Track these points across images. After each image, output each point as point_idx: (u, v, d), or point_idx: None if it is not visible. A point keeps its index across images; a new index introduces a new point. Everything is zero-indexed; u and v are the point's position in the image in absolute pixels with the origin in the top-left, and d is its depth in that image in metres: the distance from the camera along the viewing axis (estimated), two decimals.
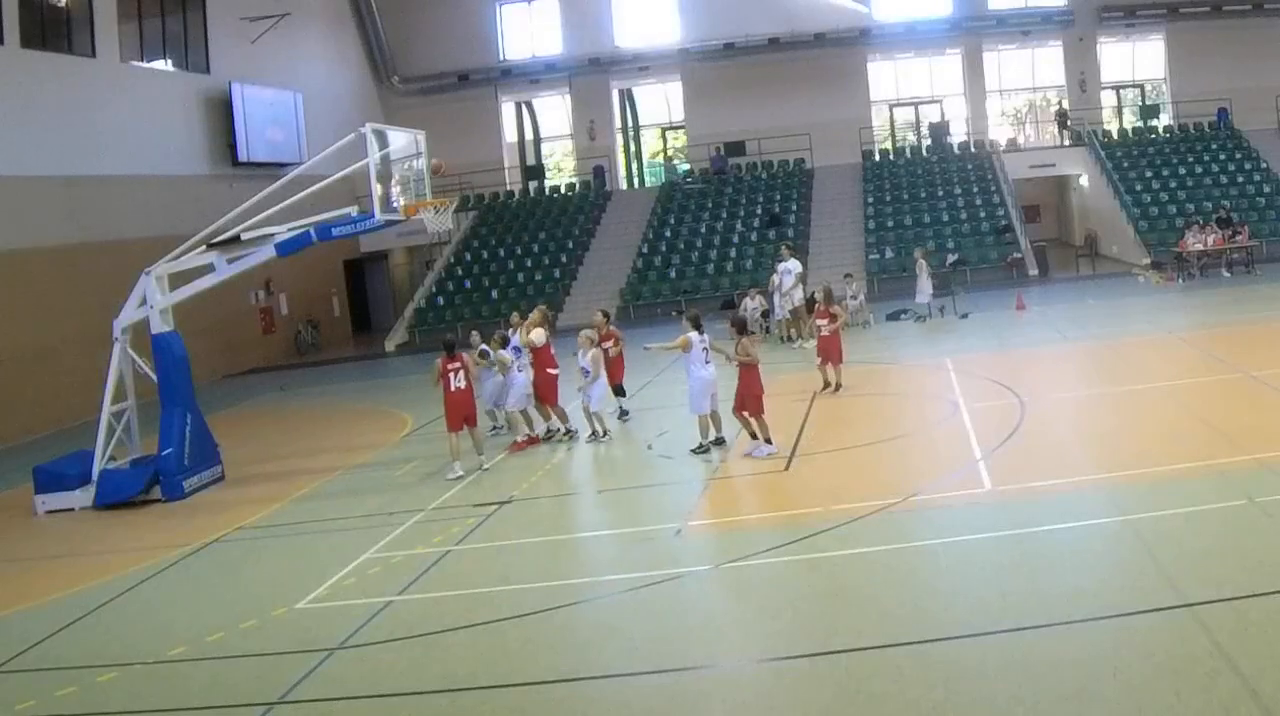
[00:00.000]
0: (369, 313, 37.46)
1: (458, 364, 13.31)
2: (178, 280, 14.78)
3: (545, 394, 14.74)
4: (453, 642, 8.08)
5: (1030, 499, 9.90)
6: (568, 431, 14.79)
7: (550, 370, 14.78)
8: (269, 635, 8.59)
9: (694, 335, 13.02)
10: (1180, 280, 26.12)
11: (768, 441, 12.49)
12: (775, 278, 23.38)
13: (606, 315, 16.07)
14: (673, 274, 31.85)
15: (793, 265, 22.49)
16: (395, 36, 38.48)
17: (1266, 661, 6.11)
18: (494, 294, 32.27)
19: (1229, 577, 7.40)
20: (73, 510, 14.14)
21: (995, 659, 6.72)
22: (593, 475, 13.50)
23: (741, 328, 12.99)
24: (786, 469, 12.07)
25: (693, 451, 13.02)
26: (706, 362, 13.02)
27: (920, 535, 9.37)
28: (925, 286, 23.86)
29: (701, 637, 7.79)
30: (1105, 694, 6.06)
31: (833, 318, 16.11)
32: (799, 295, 22.25)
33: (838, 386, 15.97)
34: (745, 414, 12.56)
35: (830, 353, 16.10)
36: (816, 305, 16.67)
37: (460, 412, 13.35)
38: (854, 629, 7.44)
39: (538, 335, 14.82)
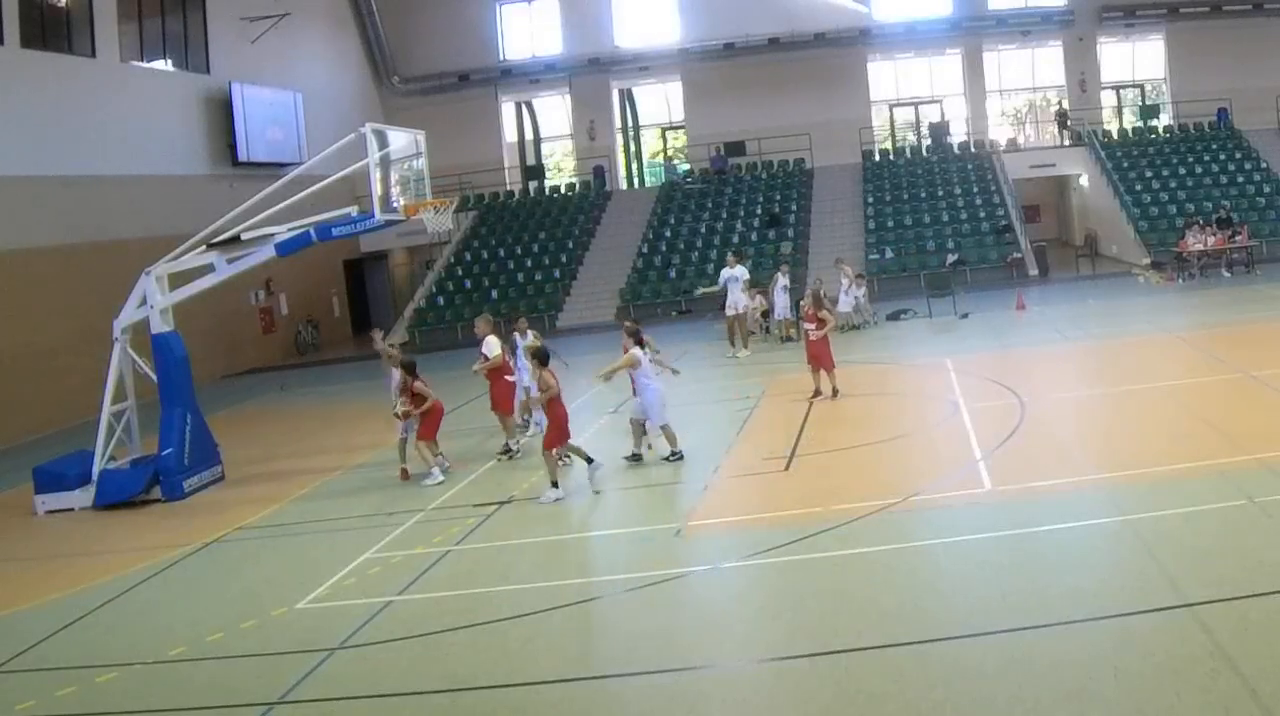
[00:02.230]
0: (369, 313, 37.43)
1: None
2: (178, 280, 14.78)
3: (502, 401, 14.25)
4: (453, 642, 8.08)
5: (1030, 499, 9.91)
6: (506, 449, 14.22)
7: (508, 377, 14.33)
8: (269, 635, 8.59)
9: (638, 350, 12.70)
10: (1180, 280, 26.12)
11: (554, 484, 11.76)
12: (776, 277, 23.36)
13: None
14: (673, 274, 31.85)
15: (739, 272, 22.12)
16: (395, 36, 38.49)
17: (1266, 661, 6.11)
18: (494, 294, 32.26)
19: (1229, 577, 7.40)
20: (73, 510, 14.14)
21: (995, 659, 6.72)
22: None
23: (543, 359, 12.06)
24: (786, 469, 12.07)
25: (665, 459, 12.86)
26: (658, 373, 13.00)
27: (920, 535, 9.37)
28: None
29: (701, 637, 7.79)
30: (1105, 694, 6.06)
31: (820, 322, 15.47)
32: (744, 302, 21.90)
33: (834, 392, 15.45)
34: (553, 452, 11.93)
35: (821, 359, 15.48)
36: (804, 308, 16.10)
37: (437, 424, 13.48)
38: (854, 629, 7.44)
39: (494, 346, 14.27)
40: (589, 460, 12.12)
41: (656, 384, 12.88)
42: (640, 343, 12.94)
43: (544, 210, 36.99)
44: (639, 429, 12.97)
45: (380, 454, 15.55)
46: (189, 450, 14.38)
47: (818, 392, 15.55)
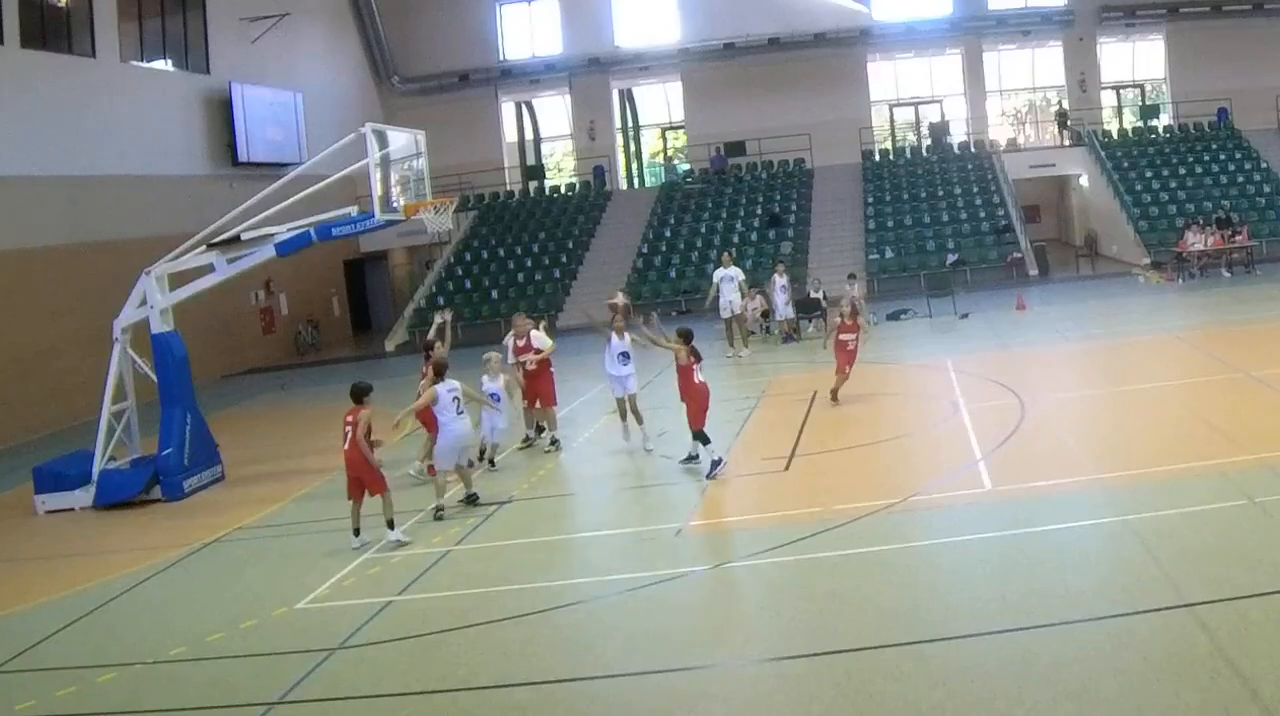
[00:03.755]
0: (369, 313, 37.45)
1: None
2: (178, 280, 14.79)
3: (546, 396, 14.46)
4: (453, 642, 8.08)
5: (1030, 499, 9.91)
6: (554, 441, 14.37)
7: (551, 369, 14.68)
8: (269, 635, 8.60)
9: (441, 387, 11.51)
10: (1180, 280, 26.13)
11: (390, 524, 10.68)
12: (774, 277, 23.36)
13: (687, 337, 12.43)
14: (673, 274, 31.84)
15: (734, 273, 22.08)
16: (395, 36, 38.47)
17: (1266, 661, 6.11)
18: (494, 294, 32.27)
19: (1229, 577, 7.41)
20: (73, 510, 14.14)
21: (995, 659, 6.73)
22: (593, 475, 13.48)
23: (359, 396, 10.81)
24: (786, 469, 12.07)
25: (436, 517, 11.50)
26: (459, 413, 11.53)
27: (920, 535, 9.38)
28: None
29: (701, 637, 7.80)
30: (1105, 694, 6.06)
31: (859, 330, 15.27)
32: (738, 302, 21.87)
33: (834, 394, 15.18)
34: (361, 497, 10.78)
35: (847, 364, 15.24)
36: (841, 319, 15.54)
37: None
38: (854, 629, 7.44)
39: (544, 339, 14.66)
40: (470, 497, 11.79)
41: (456, 426, 11.53)
42: (440, 375, 11.66)
43: (544, 210, 36.98)
44: (441, 483, 11.76)
45: (380, 454, 15.48)
46: (189, 450, 14.38)
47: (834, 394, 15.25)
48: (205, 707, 7.44)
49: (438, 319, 14.51)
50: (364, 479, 10.71)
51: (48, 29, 23.79)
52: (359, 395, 10.80)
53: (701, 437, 12.10)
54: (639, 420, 13.75)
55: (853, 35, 37.42)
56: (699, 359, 12.29)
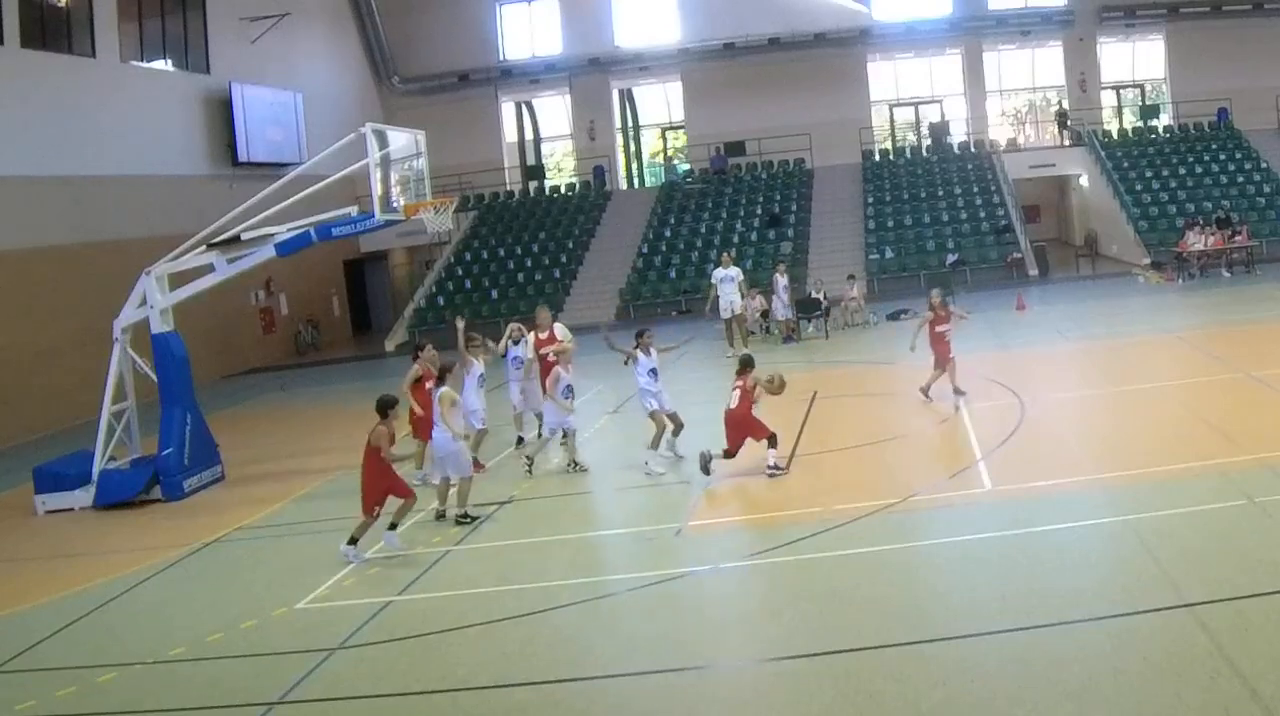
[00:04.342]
0: (369, 313, 37.46)
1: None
2: (178, 280, 14.78)
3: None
4: (453, 642, 8.08)
5: (1030, 499, 9.91)
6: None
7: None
8: (269, 635, 8.60)
9: (435, 394, 11.35)
10: (1180, 280, 26.12)
11: (352, 542, 10.31)
12: (775, 277, 23.36)
13: (748, 365, 12.27)
14: (673, 274, 31.85)
15: (734, 272, 22.08)
16: (395, 36, 38.49)
17: (1266, 661, 6.11)
18: (494, 294, 32.27)
19: (1229, 577, 7.41)
20: (73, 510, 14.13)
21: (995, 659, 6.73)
22: (592, 475, 13.47)
23: (382, 410, 10.44)
24: (786, 469, 12.06)
25: (459, 520, 11.31)
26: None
27: (920, 535, 9.38)
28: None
29: (701, 637, 7.80)
30: (1105, 694, 6.06)
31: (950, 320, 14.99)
32: (739, 302, 21.86)
33: (955, 390, 14.73)
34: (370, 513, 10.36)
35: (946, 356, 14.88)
36: (934, 311, 15.06)
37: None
38: (854, 629, 7.44)
39: (565, 332, 14.59)
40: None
41: (437, 434, 11.33)
42: (440, 381, 11.48)
43: (544, 210, 36.99)
44: (441, 490, 11.66)
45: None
46: (189, 450, 14.38)
47: (958, 391, 14.83)
48: (205, 707, 7.44)
49: (459, 324, 14.29)
50: (382, 490, 10.32)
51: (48, 29, 23.78)
52: (381, 409, 10.40)
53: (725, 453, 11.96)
54: (678, 427, 13.09)
55: (853, 35, 37.42)
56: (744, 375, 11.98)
